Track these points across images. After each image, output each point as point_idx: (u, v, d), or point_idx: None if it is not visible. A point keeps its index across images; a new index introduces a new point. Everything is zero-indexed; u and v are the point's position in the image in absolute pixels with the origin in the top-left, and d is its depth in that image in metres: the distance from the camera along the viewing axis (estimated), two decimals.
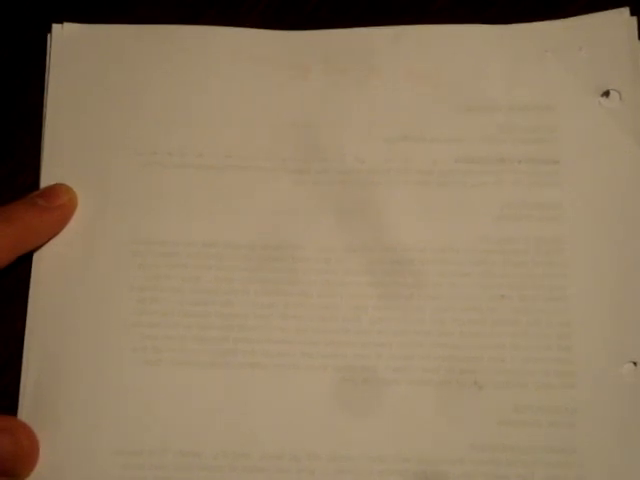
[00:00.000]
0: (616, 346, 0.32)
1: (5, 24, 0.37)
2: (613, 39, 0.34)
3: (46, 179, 0.34)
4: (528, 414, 0.32)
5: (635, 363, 0.32)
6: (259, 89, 0.35)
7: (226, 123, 0.35)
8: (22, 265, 0.33)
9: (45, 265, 0.33)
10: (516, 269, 0.33)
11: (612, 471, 0.31)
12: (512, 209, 0.34)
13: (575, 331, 0.32)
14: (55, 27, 0.35)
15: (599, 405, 0.32)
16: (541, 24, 0.35)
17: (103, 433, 0.32)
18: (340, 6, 0.36)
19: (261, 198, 0.34)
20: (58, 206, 0.33)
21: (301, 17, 0.36)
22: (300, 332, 0.33)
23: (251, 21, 0.36)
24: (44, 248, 0.33)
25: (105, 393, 0.32)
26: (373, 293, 0.33)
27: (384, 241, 0.34)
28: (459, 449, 0.32)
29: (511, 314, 0.33)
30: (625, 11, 0.35)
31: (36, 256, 0.33)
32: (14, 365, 0.33)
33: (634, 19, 0.35)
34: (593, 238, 0.33)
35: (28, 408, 0.32)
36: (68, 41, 0.35)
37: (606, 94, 0.34)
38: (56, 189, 0.34)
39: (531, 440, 0.32)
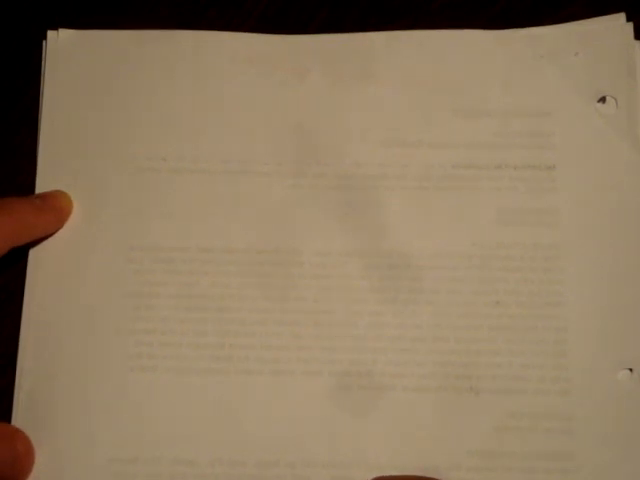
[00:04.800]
0: (612, 352, 0.32)
1: (2, 30, 0.37)
2: (609, 45, 0.34)
3: (41, 185, 0.34)
4: (524, 420, 0.32)
5: (631, 369, 0.32)
6: (255, 93, 0.35)
7: (222, 127, 0.35)
8: (17, 270, 0.33)
9: (40, 271, 0.33)
10: (512, 275, 0.33)
11: (609, 477, 0.31)
12: (509, 215, 0.34)
13: (571, 337, 0.32)
14: (50, 34, 0.35)
15: (595, 411, 0.32)
16: (537, 29, 0.35)
17: (97, 440, 0.32)
18: (340, 6, 0.36)
19: (258, 202, 0.34)
20: (54, 207, 0.33)
21: (301, 17, 0.36)
22: (296, 338, 0.33)
23: (251, 21, 0.36)
24: (39, 254, 0.33)
25: (100, 400, 0.32)
26: (370, 298, 0.33)
27: (381, 246, 0.33)
28: (456, 455, 0.32)
29: (507, 320, 0.33)
30: (621, 17, 0.35)
31: (31, 262, 0.33)
32: (8, 372, 0.32)
33: (630, 25, 0.34)
34: (589, 244, 0.33)
35: (22, 415, 0.32)
36: (63, 47, 0.35)
37: (602, 100, 0.34)
38: (53, 193, 0.34)
39: (528, 446, 0.32)
